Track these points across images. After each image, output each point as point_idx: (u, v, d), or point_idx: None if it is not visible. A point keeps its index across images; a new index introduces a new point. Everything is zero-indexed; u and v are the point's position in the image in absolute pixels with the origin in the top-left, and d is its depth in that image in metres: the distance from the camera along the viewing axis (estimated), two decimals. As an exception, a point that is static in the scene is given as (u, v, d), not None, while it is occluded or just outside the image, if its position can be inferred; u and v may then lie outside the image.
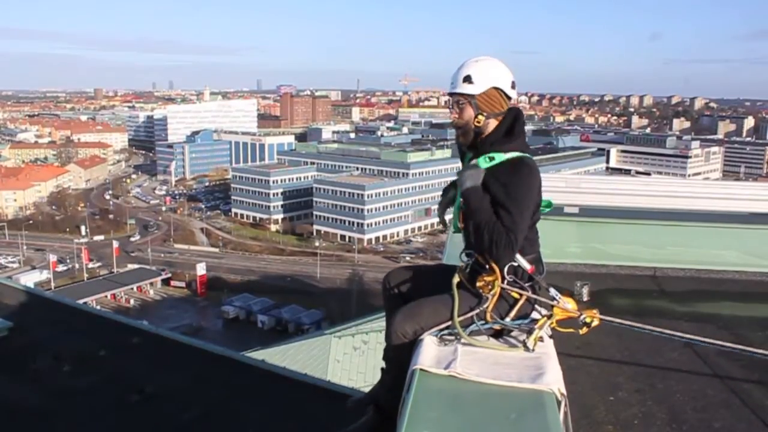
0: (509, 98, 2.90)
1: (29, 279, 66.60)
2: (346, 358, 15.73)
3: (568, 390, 2.45)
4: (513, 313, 2.78)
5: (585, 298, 5.40)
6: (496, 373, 2.47)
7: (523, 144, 2.87)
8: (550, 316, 2.75)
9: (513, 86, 2.89)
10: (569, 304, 2.80)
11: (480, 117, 2.85)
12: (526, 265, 2.78)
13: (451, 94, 2.92)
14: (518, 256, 2.77)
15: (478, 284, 2.74)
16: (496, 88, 2.86)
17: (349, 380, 13.66)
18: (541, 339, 2.73)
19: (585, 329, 2.80)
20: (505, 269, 2.75)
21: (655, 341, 3.51)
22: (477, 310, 2.76)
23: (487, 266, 2.77)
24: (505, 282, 2.75)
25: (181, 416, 5.31)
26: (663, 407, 3.55)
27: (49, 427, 5.23)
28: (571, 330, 2.79)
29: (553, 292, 2.79)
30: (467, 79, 2.84)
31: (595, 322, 2.79)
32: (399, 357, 2.78)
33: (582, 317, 2.77)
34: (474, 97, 2.84)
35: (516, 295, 2.78)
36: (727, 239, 6.46)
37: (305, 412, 5.60)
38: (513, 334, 2.81)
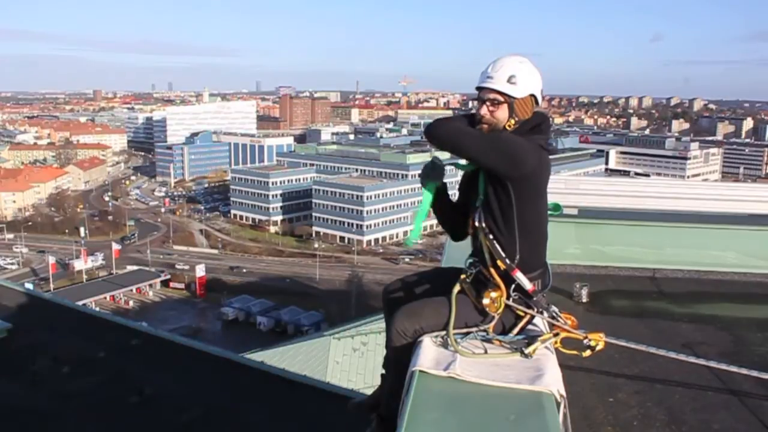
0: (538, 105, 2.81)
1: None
2: (346, 359, 15.73)
3: (567, 391, 2.45)
4: (516, 330, 2.76)
5: (584, 300, 5.39)
6: (495, 374, 2.47)
7: (544, 142, 2.73)
8: (555, 335, 2.73)
9: (541, 94, 2.81)
10: (569, 321, 2.79)
11: (512, 121, 2.71)
12: (527, 284, 2.72)
13: (484, 89, 2.74)
14: (519, 274, 2.71)
15: (484, 301, 2.71)
16: (533, 96, 2.75)
17: (349, 381, 13.65)
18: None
19: (588, 352, 2.75)
20: (512, 287, 2.72)
21: (655, 342, 3.51)
22: (480, 328, 2.74)
23: (492, 280, 2.74)
24: (511, 300, 2.73)
25: (180, 418, 5.31)
26: (662, 408, 3.55)
27: (49, 428, 5.23)
28: (575, 352, 2.75)
29: (554, 310, 2.77)
30: (511, 79, 2.69)
31: (600, 346, 2.76)
32: (399, 359, 2.75)
33: (587, 340, 2.75)
34: (514, 100, 2.70)
35: (521, 313, 2.76)
36: (727, 240, 6.45)
37: (305, 413, 5.61)
38: (513, 344, 2.78)
